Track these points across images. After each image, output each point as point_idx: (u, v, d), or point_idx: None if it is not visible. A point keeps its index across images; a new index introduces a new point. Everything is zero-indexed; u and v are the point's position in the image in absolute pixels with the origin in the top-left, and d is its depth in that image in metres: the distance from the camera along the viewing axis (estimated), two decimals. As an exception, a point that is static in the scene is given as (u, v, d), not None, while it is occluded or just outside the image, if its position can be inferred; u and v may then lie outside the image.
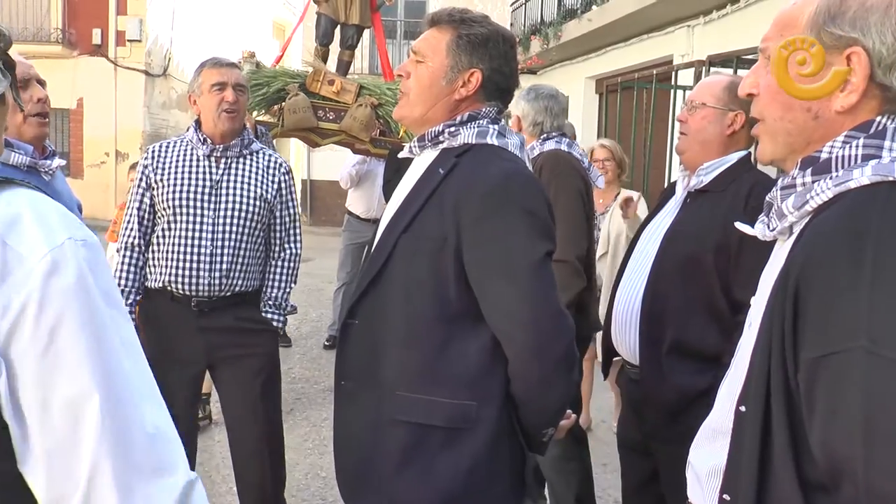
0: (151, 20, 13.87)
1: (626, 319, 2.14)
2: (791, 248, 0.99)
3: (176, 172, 2.66)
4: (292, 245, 2.86)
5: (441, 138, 1.66)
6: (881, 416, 0.82)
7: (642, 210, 4.05)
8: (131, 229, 2.70)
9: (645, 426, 2.13)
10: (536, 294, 1.53)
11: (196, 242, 2.62)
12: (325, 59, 5.38)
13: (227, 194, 2.66)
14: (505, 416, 1.60)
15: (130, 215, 2.72)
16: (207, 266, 2.62)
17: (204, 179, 2.66)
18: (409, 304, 1.59)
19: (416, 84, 1.67)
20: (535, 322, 1.53)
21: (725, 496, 1.04)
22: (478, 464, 1.57)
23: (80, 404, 0.78)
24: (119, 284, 2.62)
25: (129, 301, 2.63)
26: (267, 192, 2.73)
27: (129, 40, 13.71)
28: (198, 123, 2.72)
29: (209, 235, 2.63)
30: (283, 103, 4.97)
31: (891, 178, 0.92)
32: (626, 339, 2.14)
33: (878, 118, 0.99)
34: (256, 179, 2.72)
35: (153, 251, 2.69)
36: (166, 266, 2.63)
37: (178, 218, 2.63)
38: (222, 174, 2.68)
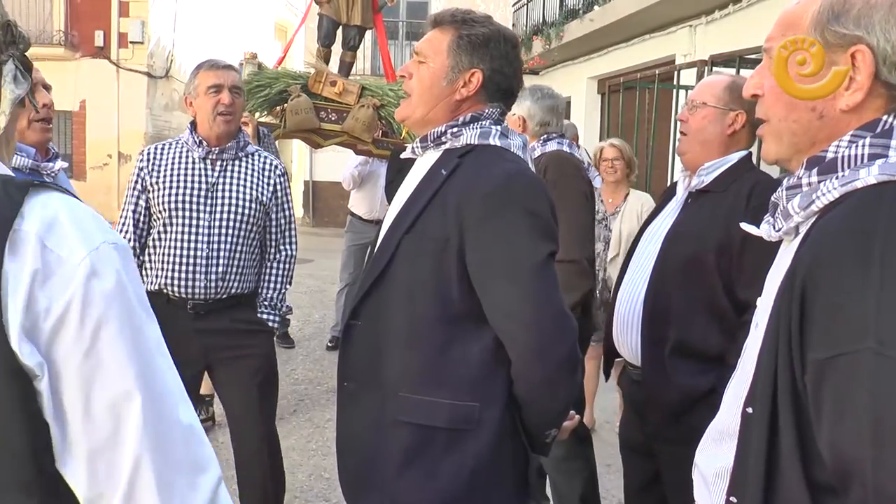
0: (154, 22, 13.89)
1: (627, 320, 2.13)
2: (797, 249, 0.98)
3: (172, 175, 2.66)
4: (287, 247, 2.87)
5: (443, 139, 1.66)
6: (890, 417, 0.81)
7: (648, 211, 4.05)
8: (126, 232, 2.71)
9: (647, 427, 2.13)
10: (539, 295, 1.53)
11: (192, 245, 2.62)
12: (327, 61, 5.38)
13: (223, 197, 2.66)
14: (508, 417, 1.60)
15: (125, 218, 2.72)
16: (204, 268, 2.62)
17: (200, 182, 2.66)
18: (412, 305, 1.58)
19: (418, 84, 1.67)
20: (537, 323, 1.52)
21: (732, 498, 1.03)
22: (480, 465, 1.57)
23: (123, 405, 0.79)
24: None
25: None
26: (262, 194, 2.74)
27: (131, 42, 13.73)
28: (193, 125, 2.72)
29: (205, 238, 2.63)
30: (286, 105, 4.97)
31: (898, 178, 0.91)
32: (628, 341, 2.14)
33: (885, 117, 0.98)
34: (252, 182, 2.72)
35: (149, 254, 2.69)
36: (162, 269, 2.64)
37: (175, 221, 2.63)
38: (218, 176, 2.68)
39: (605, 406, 4.68)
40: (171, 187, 2.64)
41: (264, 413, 2.78)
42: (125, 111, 13.79)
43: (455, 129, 1.64)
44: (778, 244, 1.11)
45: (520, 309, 1.53)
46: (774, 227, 1.07)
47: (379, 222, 1.97)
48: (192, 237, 2.63)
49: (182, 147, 2.71)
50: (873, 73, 0.96)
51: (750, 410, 1.01)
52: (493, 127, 1.65)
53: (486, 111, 1.67)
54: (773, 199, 1.09)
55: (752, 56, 4.95)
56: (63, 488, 0.79)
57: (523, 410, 1.61)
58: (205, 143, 2.67)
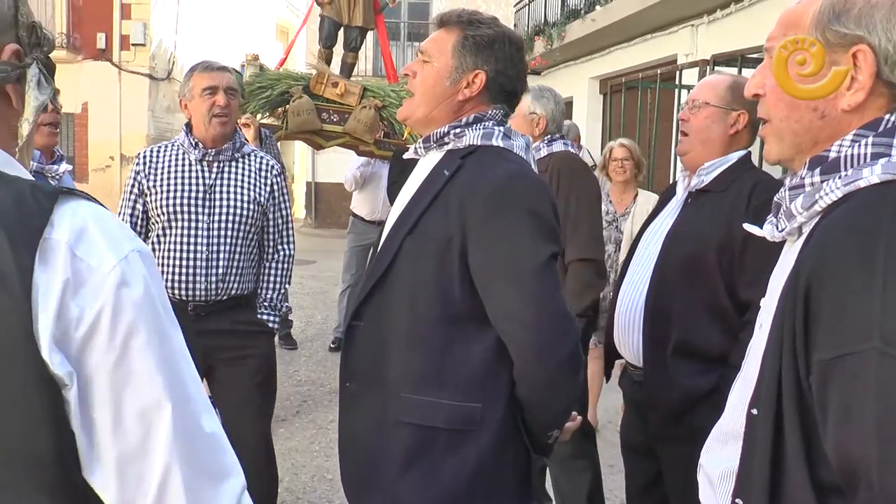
0: (155, 24, 13.90)
1: (629, 321, 2.13)
2: (801, 249, 0.98)
3: (169, 178, 2.66)
4: (286, 246, 2.88)
5: (446, 139, 1.66)
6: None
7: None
8: None
9: (649, 428, 2.13)
10: (540, 296, 1.53)
11: (192, 248, 2.63)
12: (328, 62, 5.39)
13: (221, 198, 2.67)
14: (510, 417, 1.60)
15: (122, 221, 2.72)
16: (203, 271, 2.63)
17: (197, 184, 2.66)
18: (414, 306, 1.58)
19: (421, 84, 1.67)
20: (538, 324, 1.52)
21: (738, 500, 1.03)
22: (483, 466, 1.57)
23: (153, 413, 0.80)
24: None
25: None
26: (260, 194, 2.74)
27: (133, 44, 13.73)
28: (189, 127, 2.72)
29: (204, 240, 2.64)
30: (287, 106, 4.99)
31: (901, 177, 0.91)
32: (630, 341, 2.14)
33: (887, 116, 0.98)
34: (249, 182, 2.73)
35: None
36: (163, 272, 2.64)
37: (173, 224, 2.64)
38: (215, 178, 2.69)
39: (608, 406, 4.68)
40: (168, 190, 2.65)
41: (262, 412, 2.79)
42: (127, 113, 13.80)
43: (458, 130, 1.64)
44: (780, 244, 1.11)
45: (521, 310, 1.52)
46: (777, 228, 1.07)
47: (381, 223, 1.98)
48: (192, 239, 2.63)
49: (178, 149, 2.71)
50: (875, 72, 0.96)
51: (755, 412, 1.00)
52: (496, 128, 1.65)
53: (490, 112, 1.67)
54: (775, 199, 1.08)
55: (755, 55, 4.95)
56: (90, 494, 0.80)
57: (525, 411, 1.61)
58: (201, 145, 2.67)
